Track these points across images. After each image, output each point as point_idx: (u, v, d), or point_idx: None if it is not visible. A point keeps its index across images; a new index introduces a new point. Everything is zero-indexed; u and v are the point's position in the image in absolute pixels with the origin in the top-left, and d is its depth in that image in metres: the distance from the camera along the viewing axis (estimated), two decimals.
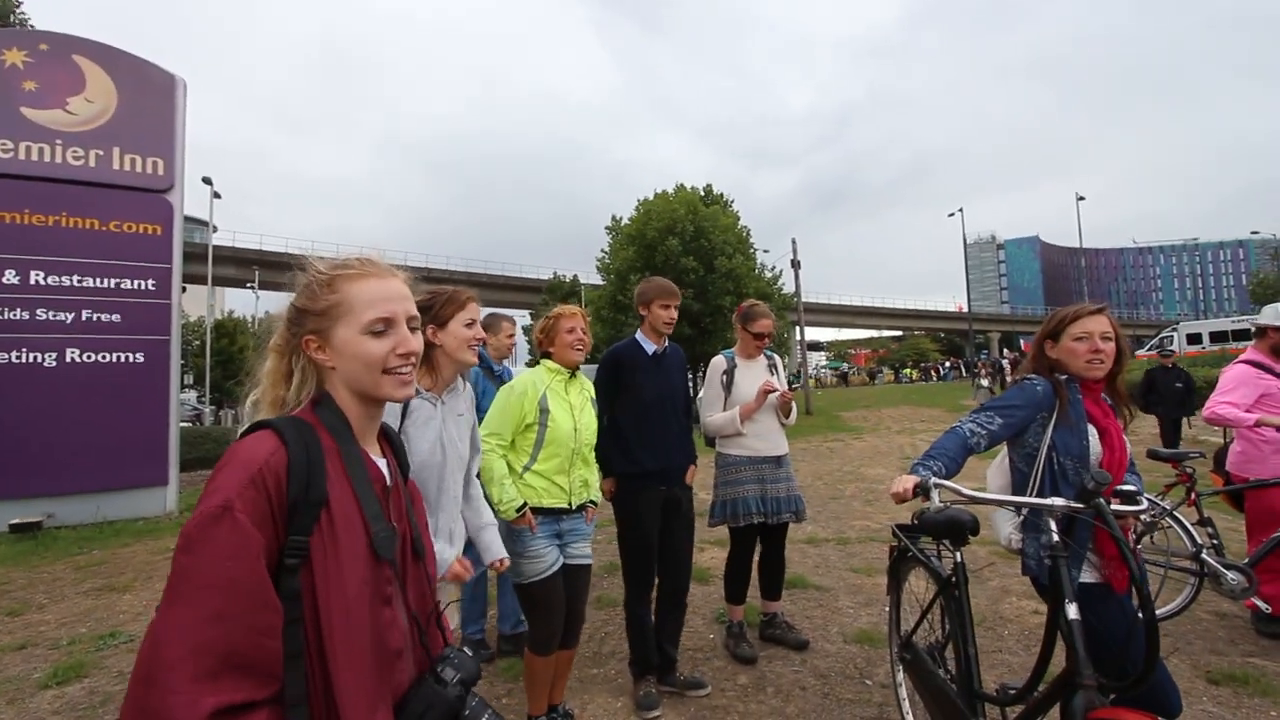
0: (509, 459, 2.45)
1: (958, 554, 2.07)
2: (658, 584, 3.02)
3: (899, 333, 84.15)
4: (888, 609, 3.78)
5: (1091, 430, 1.94)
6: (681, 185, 24.07)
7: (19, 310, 7.37)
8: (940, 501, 1.80)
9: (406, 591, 1.06)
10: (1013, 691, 1.90)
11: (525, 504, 2.36)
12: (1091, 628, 1.70)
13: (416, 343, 1.07)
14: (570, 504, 2.50)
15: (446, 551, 1.91)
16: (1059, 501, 1.76)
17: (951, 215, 38.85)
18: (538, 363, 2.69)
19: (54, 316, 7.51)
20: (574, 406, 2.57)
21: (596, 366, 3.12)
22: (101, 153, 7.90)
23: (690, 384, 3.37)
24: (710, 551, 5.15)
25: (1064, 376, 2.01)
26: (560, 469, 2.48)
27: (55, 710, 3.02)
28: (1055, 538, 1.74)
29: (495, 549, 2.14)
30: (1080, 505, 1.72)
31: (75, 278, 7.64)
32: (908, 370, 56.69)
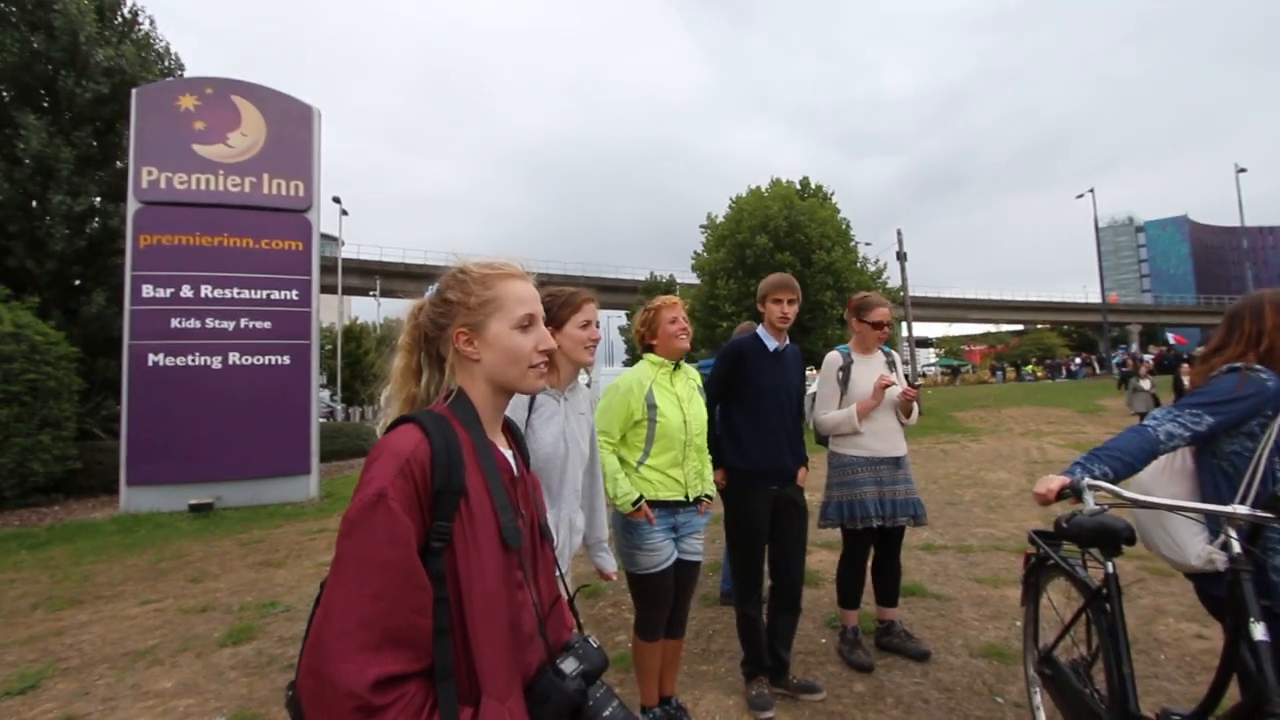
0: (622, 454, 2.51)
1: (1110, 564, 1.88)
2: (770, 585, 2.98)
3: (1019, 327, 77.34)
4: (1020, 622, 3.53)
5: None
6: (777, 179, 23.50)
7: (193, 319, 8.52)
8: (1095, 505, 1.65)
9: (536, 577, 1.11)
10: (1177, 718, 1.71)
11: (641, 497, 2.40)
12: None
13: (552, 340, 1.15)
14: (686, 496, 2.52)
15: (569, 539, 2.00)
16: (1242, 509, 1.55)
17: (1080, 197, 35.32)
18: (637, 360, 2.72)
19: (219, 325, 8.61)
20: (681, 399, 2.59)
21: (701, 365, 3.12)
22: (254, 179, 8.95)
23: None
24: (819, 554, 5.01)
25: None
26: (674, 462, 2.51)
27: (232, 665, 3.46)
28: (1238, 549, 1.54)
29: (607, 566, 2.25)
30: (1270, 515, 1.52)
31: (235, 290, 8.72)
32: (1030, 366, 52.01)
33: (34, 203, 10.43)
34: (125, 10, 12.18)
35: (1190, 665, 3.05)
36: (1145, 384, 14.14)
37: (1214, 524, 1.75)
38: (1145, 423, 1.80)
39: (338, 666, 0.82)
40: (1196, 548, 1.79)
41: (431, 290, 1.15)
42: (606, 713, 1.01)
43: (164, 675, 3.37)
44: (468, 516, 0.96)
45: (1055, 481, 1.69)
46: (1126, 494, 1.66)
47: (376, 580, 0.86)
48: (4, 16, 10.28)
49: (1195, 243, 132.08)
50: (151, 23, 12.59)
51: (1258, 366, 1.76)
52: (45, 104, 10.62)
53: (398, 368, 1.14)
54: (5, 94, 10.44)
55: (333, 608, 0.85)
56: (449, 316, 1.09)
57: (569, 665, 1.02)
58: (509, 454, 1.15)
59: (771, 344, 2.97)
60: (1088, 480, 1.65)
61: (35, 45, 10.24)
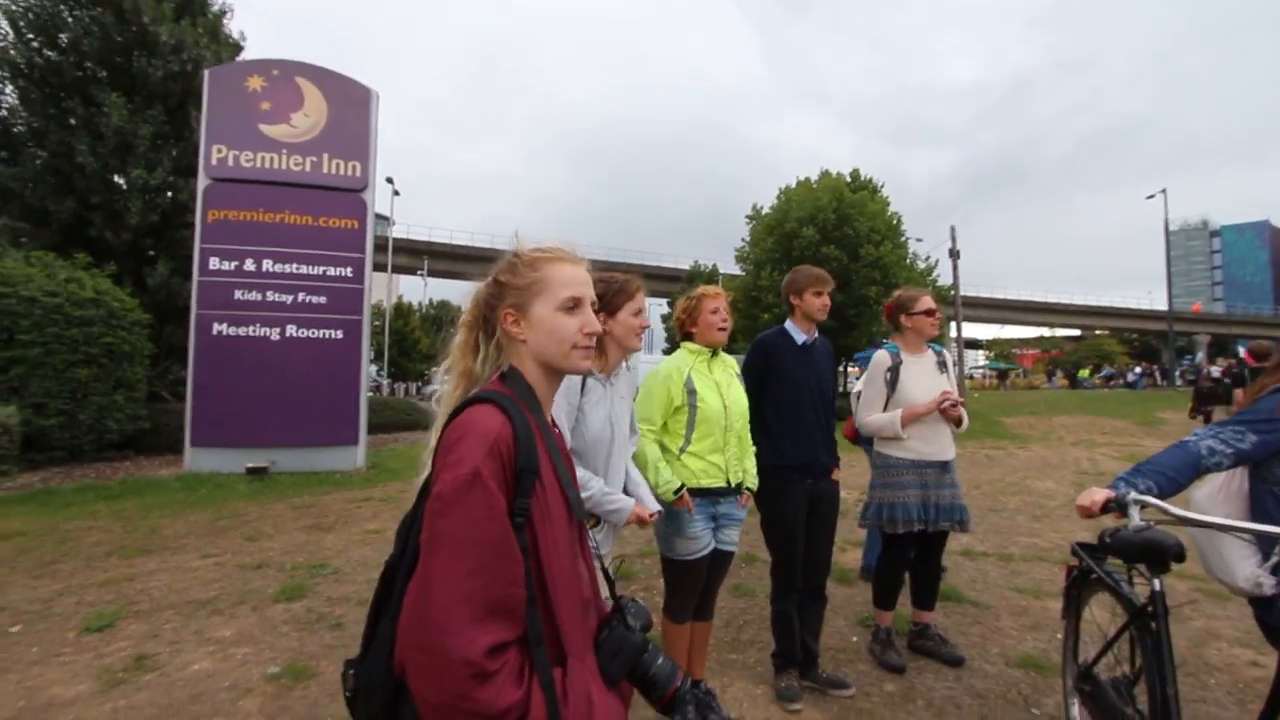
0: (663, 442, 2.55)
1: (1156, 581, 1.83)
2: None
3: (1076, 331, 73.97)
4: (1061, 635, 3.45)
5: None
6: (826, 171, 22.99)
7: (254, 292, 8.92)
8: (1140, 520, 1.61)
9: (585, 547, 1.18)
10: None
11: (683, 485, 2.44)
12: None
13: (598, 324, 1.18)
14: (729, 482, 2.54)
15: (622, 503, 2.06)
16: None
17: (1151, 197, 33.43)
18: (676, 347, 2.74)
19: (279, 298, 9.00)
20: (720, 384, 2.60)
21: (738, 356, 3.11)
22: (315, 159, 9.28)
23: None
24: (852, 552, 4.98)
25: None
26: (715, 447, 2.53)
27: (285, 620, 3.67)
28: None
29: (650, 503, 2.21)
30: None
31: (294, 265, 9.08)
32: (1084, 372, 49.75)
33: (114, 176, 11.06)
34: None
35: (1242, 693, 2.93)
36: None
37: (1266, 546, 1.70)
38: (1187, 438, 1.77)
39: (451, 638, 0.86)
40: (1246, 570, 1.75)
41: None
42: (659, 662, 1.09)
43: (224, 624, 3.60)
44: (542, 494, 1.02)
45: (1100, 494, 1.66)
46: (1173, 510, 1.62)
47: (477, 555, 0.91)
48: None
49: (1276, 250, 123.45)
50: (228, 12, 13.08)
51: None
52: (125, 85, 11.19)
53: (458, 343, 1.19)
54: (97, 73, 11.04)
55: (435, 583, 0.90)
56: (500, 297, 1.14)
57: (631, 620, 1.10)
58: (557, 432, 1.21)
59: (800, 338, 2.95)
60: (1133, 495, 1.61)
61: (108, 25, 10.77)
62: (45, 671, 3.02)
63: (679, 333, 2.74)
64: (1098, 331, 69.41)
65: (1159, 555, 1.69)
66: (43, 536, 5.39)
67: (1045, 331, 77.13)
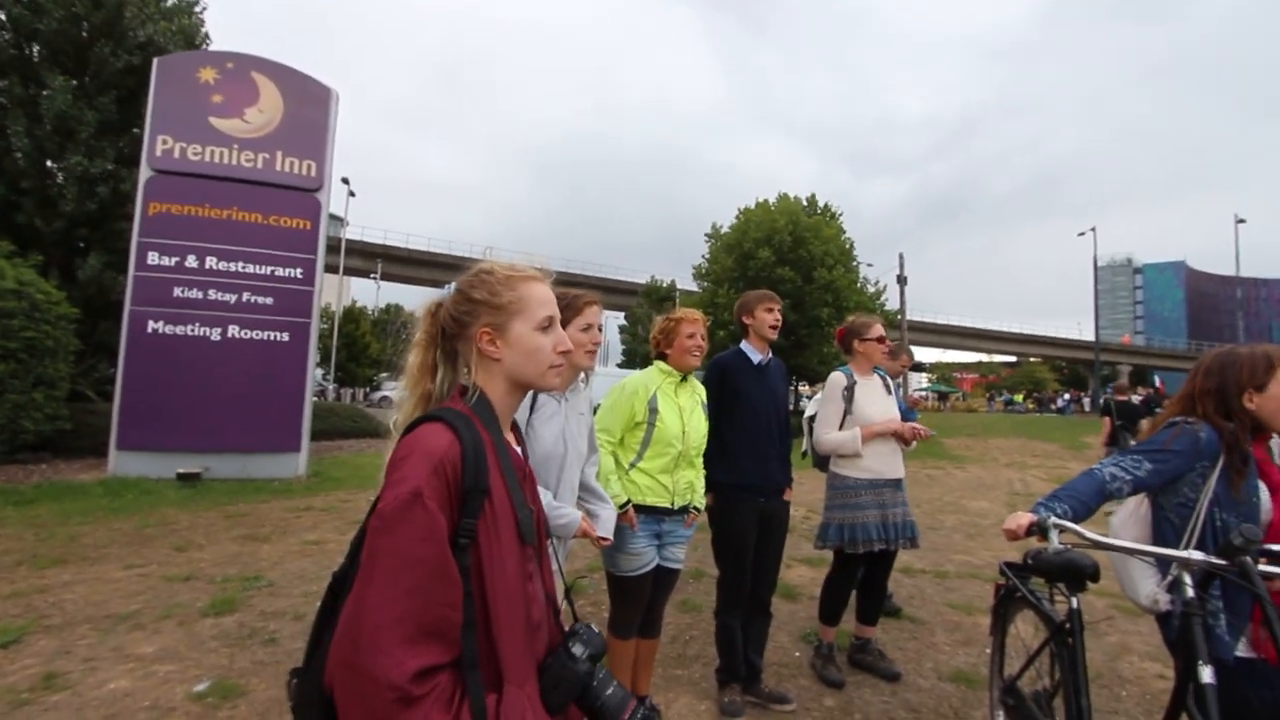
0: (618, 454, 2.58)
1: (1074, 599, 1.97)
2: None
3: (1012, 358, 77.85)
4: (989, 650, 3.62)
5: (1262, 486, 1.78)
6: (784, 195, 23.70)
7: (195, 290, 8.54)
8: (1059, 544, 1.74)
9: (541, 570, 1.16)
10: None
11: (628, 501, 2.47)
12: (1245, 707, 1.57)
13: (569, 341, 1.20)
14: (673, 504, 2.58)
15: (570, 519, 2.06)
16: (1197, 555, 1.64)
17: (1082, 235, 35.62)
18: (632, 363, 2.77)
19: (222, 297, 8.63)
20: (683, 409, 2.65)
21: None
22: (268, 156, 8.99)
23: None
24: (797, 569, 5.09)
25: (1232, 425, 1.81)
26: (665, 469, 2.57)
27: (213, 636, 3.50)
28: (1191, 593, 1.63)
29: (605, 528, 2.21)
30: (1222, 561, 1.60)
31: (240, 264, 8.74)
32: (1019, 397, 52.33)
33: (49, 162, 10.43)
34: None
35: (1150, 704, 3.13)
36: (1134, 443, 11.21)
37: (1164, 567, 1.85)
38: (1094, 466, 1.93)
39: (377, 659, 0.85)
40: (1147, 588, 1.90)
41: (450, 288, 1.19)
42: (609, 691, 1.06)
43: (145, 640, 3.41)
44: (491, 514, 1.00)
45: (1024, 519, 1.78)
46: (1089, 534, 1.75)
47: (413, 576, 0.89)
48: None
49: (1190, 289, 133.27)
50: (202, 7, 12.59)
51: (1194, 421, 1.87)
52: (72, 67, 10.61)
53: (413, 364, 1.15)
54: (36, 54, 10.44)
55: (369, 602, 0.88)
56: (473, 315, 1.12)
57: (577, 649, 1.07)
58: (519, 450, 1.20)
59: (756, 357, 3.03)
60: (1053, 519, 1.73)
61: (77, 10, 10.23)
62: None
63: (653, 351, 2.77)
64: (1031, 359, 73.24)
65: (1077, 575, 1.83)
66: None
67: (984, 357, 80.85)
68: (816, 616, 3.47)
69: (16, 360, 8.20)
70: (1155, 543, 1.91)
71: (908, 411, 4.32)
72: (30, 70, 10.26)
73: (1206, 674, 1.55)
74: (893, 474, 3.26)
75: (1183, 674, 1.63)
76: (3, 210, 10.17)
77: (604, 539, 2.19)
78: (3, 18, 10.09)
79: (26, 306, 8.31)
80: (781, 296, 3.09)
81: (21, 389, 8.29)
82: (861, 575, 3.38)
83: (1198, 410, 1.91)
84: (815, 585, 4.43)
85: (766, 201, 23.21)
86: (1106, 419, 9.28)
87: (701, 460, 2.75)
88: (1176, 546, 1.83)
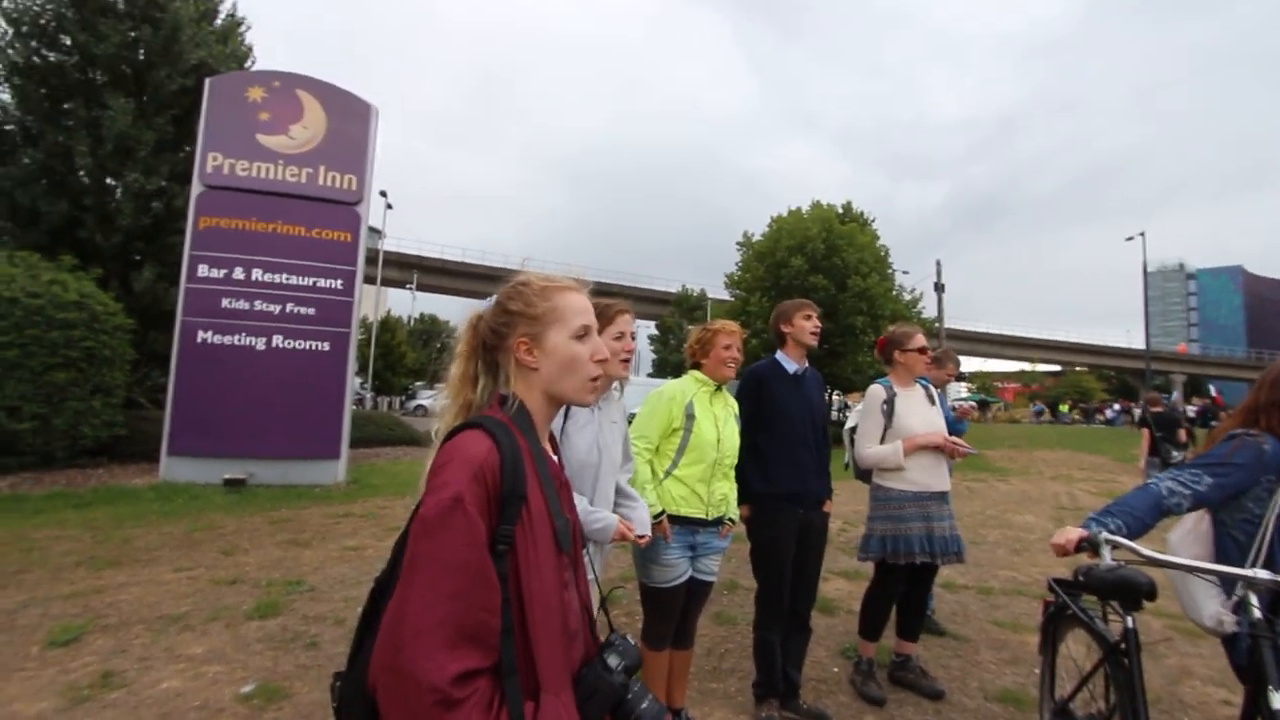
0: (654, 463, 2.57)
1: (1129, 618, 1.87)
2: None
3: (1057, 367, 75.26)
4: (1038, 670, 3.47)
5: None
6: (817, 202, 23.45)
7: (242, 300, 8.86)
8: (1112, 560, 1.66)
9: (577, 579, 1.16)
10: None
11: (663, 512, 2.46)
12: None
13: (606, 349, 1.20)
14: (708, 515, 2.56)
15: (601, 545, 2.07)
16: (1264, 574, 1.55)
17: (1130, 239, 34.28)
18: (663, 372, 2.77)
19: (267, 308, 8.94)
20: (718, 418, 2.64)
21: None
22: (311, 170, 9.30)
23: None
24: (835, 582, 4.98)
25: None
26: (701, 477, 2.55)
27: (259, 639, 3.59)
28: (1258, 614, 1.54)
29: (643, 525, 2.20)
30: None
31: (284, 275, 9.05)
32: (1064, 407, 50.54)
33: (109, 180, 11.00)
34: (222, 16, 12.87)
35: None
36: (1178, 455, 8.70)
37: (1228, 586, 1.76)
38: (1150, 480, 1.86)
39: (419, 663, 0.86)
40: (1211, 609, 1.81)
41: (490, 300, 1.20)
42: (644, 705, 1.06)
43: (195, 641, 3.52)
44: (528, 521, 1.01)
45: (1074, 534, 1.71)
46: (1144, 551, 1.67)
47: (454, 581, 0.90)
48: (113, 8, 10.91)
49: (1249, 294, 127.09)
50: (246, 27, 13.22)
51: (1256, 433, 1.79)
52: (133, 89, 11.20)
53: (455, 375, 1.17)
54: (99, 78, 11.05)
55: (410, 606, 0.89)
56: (510, 326, 1.14)
57: (613, 660, 1.07)
58: (556, 459, 1.21)
59: (792, 367, 2.99)
60: (1105, 535, 1.66)
61: (135, 36, 10.80)
62: (6, 687, 2.93)
63: (689, 360, 2.78)
64: (1077, 368, 70.67)
65: (1131, 593, 1.75)
66: (8, 545, 5.25)
67: (1026, 366, 78.32)
68: (855, 631, 3.39)
69: (77, 369, 8.62)
70: (1218, 561, 1.82)
71: (956, 423, 4.19)
72: (94, 93, 10.85)
73: (1278, 700, 1.46)
74: (938, 486, 3.19)
75: (1252, 700, 1.54)
76: (67, 226, 10.74)
77: (643, 537, 2.18)
78: (69, 43, 10.71)
79: (87, 318, 8.73)
80: (815, 305, 3.07)
81: (81, 396, 8.70)
82: (902, 590, 3.29)
83: (1261, 423, 1.82)
84: (854, 599, 4.33)
85: (799, 209, 22.98)
86: (1145, 431, 8.95)
87: (734, 473, 2.73)
88: (1241, 564, 1.74)
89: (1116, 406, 48.18)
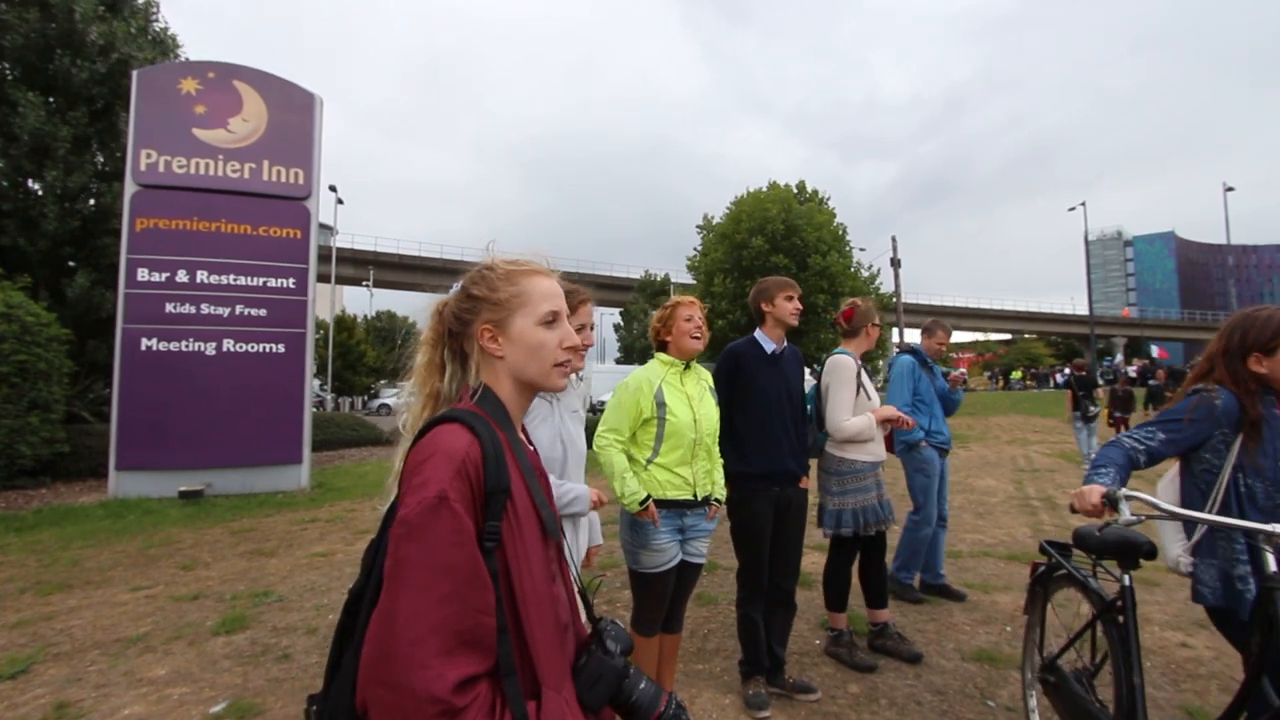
0: (631, 452, 2.53)
1: (1126, 577, 1.91)
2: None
3: (1007, 336, 78.11)
4: (1011, 628, 3.59)
5: None
6: (775, 183, 23.67)
7: (188, 305, 8.44)
8: (1131, 515, 1.69)
9: (561, 568, 1.12)
10: None
11: (649, 497, 2.42)
12: None
13: (576, 337, 1.15)
14: (695, 495, 2.53)
15: (575, 538, 2.03)
16: None
17: (1073, 210, 35.64)
18: (629, 359, 2.73)
19: (215, 311, 8.53)
20: (691, 397, 2.60)
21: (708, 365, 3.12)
22: (254, 165, 8.87)
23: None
24: (810, 556, 5.05)
25: (1256, 389, 1.82)
26: (683, 460, 2.52)
27: (226, 655, 3.45)
28: (1274, 567, 1.59)
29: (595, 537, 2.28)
30: None
31: (231, 276, 8.64)
32: (1017, 374, 52.56)
33: (29, 180, 10.29)
34: None
35: (1175, 673, 3.12)
36: (1095, 408, 10.39)
37: (1190, 530, 1.85)
38: (1118, 436, 1.95)
39: (416, 674, 0.81)
40: (1173, 551, 1.92)
41: (456, 286, 1.15)
42: (641, 687, 1.04)
43: (157, 663, 3.35)
44: (514, 515, 0.97)
45: (1095, 492, 1.73)
46: (1163, 505, 1.72)
47: (445, 583, 0.85)
48: None
49: (1181, 259, 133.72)
50: (155, 8, 12.41)
51: (1211, 388, 1.87)
52: (43, 84, 10.46)
53: (421, 363, 1.13)
54: (9, 73, 10.28)
55: (400, 615, 0.84)
56: (474, 312, 1.09)
57: (610, 644, 1.04)
58: (531, 448, 1.16)
59: (770, 346, 2.99)
60: (1123, 490, 1.70)
61: (31, 22, 10.07)
62: None
63: (654, 343, 2.73)
64: (1026, 335, 73.50)
65: (1131, 552, 1.81)
66: None
67: (979, 336, 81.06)
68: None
69: (9, 385, 8.11)
70: (1183, 505, 1.90)
71: (950, 393, 4.43)
72: (1, 91, 10.10)
73: None
74: (883, 455, 3.36)
75: (1262, 647, 1.60)
76: None
77: (596, 549, 2.27)
78: None
79: (17, 330, 8.21)
80: (797, 285, 3.10)
81: (16, 413, 8.19)
82: (861, 561, 3.40)
83: (1215, 372, 1.90)
84: None
85: (758, 190, 23.17)
86: (1068, 392, 10.58)
87: (717, 449, 2.71)
88: (1201, 510, 1.82)
89: (1067, 370, 50.35)
